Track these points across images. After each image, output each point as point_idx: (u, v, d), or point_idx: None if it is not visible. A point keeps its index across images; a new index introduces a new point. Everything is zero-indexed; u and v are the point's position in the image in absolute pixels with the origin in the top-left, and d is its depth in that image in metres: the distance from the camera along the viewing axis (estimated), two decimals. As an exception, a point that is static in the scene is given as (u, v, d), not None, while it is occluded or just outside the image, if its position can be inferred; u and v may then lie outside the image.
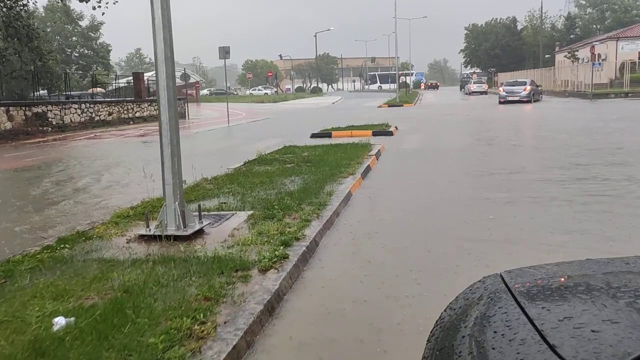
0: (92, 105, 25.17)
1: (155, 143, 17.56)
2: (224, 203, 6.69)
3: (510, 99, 31.80)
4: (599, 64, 34.39)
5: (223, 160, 11.48)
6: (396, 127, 17.67)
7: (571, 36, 75.19)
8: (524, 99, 31.62)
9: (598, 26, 78.16)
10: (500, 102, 32.25)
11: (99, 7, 21.09)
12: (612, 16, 72.82)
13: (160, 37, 5.17)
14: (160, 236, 5.08)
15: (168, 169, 5.27)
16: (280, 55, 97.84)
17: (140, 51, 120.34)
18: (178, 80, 36.06)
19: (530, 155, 11.41)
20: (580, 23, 78.16)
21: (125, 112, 27.42)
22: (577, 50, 54.23)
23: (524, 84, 33.63)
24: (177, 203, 5.27)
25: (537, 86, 36.48)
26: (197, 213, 5.55)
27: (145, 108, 29.03)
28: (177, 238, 5.07)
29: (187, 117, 32.61)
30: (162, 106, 5.30)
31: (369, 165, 9.57)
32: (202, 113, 37.54)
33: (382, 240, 5.37)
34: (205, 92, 78.77)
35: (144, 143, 17.82)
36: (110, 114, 26.23)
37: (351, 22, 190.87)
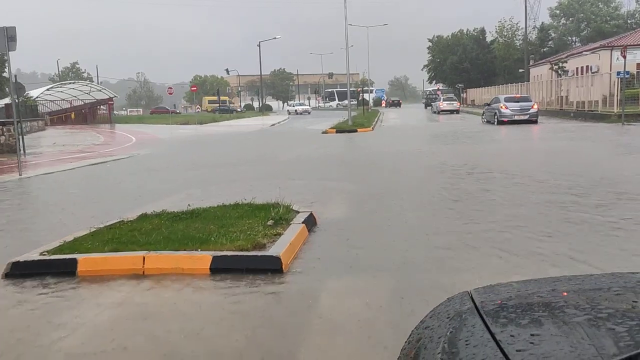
0: None
1: None
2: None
3: (517, 118, 26.03)
4: (627, 73, 25.21)
5: None
6: (308, 219, 6.21)
7: (544, 49, 67.93)
8: (533, 119, 26.41)
9: (573, 38, 71.94)
10: (503, 122, 25.89)
11: None
12: (592, 25, 66.00)
13: None
14: None
15: None
16: (227, 70, 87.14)
17: (77, 65, 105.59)
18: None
19: None
20: (554, 35, 71.30)
21: None
22: (566, 62, 45.87)
23: (529, 99, 28.10)
24: None
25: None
26: None
27: None
28: None
29: (20, 151, 21.11)
30: None
31: None
32: (80, 141, 26.08)
33: None
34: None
35: None
36: None
37: (309, 36, 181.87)
